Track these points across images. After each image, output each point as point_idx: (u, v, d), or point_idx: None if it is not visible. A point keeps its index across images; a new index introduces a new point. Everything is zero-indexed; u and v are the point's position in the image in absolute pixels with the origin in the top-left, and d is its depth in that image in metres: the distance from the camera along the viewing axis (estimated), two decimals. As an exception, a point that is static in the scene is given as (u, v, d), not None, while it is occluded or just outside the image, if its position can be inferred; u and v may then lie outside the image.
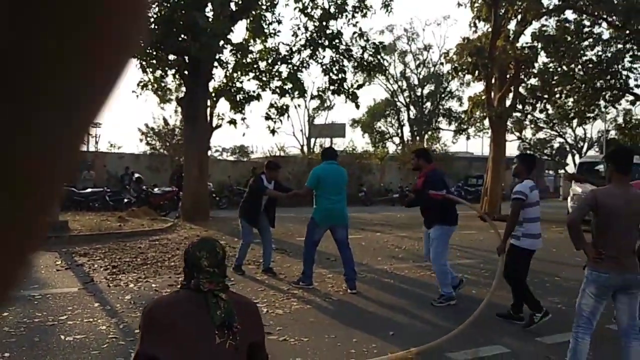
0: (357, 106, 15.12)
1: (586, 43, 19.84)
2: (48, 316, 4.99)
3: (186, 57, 13.33)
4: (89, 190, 15.55)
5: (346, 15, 14.55)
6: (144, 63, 13.32)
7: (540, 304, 5.07)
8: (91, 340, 4.38)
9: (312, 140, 38.91)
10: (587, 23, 19.35)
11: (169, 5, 12.69)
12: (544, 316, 4.97)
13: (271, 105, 14.83)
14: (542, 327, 5.13)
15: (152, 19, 12.68)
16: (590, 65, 19.91)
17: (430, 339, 4.60)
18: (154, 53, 12.93)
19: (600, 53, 20.26)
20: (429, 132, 43.18)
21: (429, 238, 5.94)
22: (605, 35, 20.04)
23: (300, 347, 4.36)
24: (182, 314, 2.01)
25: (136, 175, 17.35)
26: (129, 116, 79.00)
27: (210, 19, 12.47)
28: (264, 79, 14.59)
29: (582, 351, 3.62)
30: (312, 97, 16.90)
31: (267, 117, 14.77)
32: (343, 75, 14.82)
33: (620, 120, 31.88)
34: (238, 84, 14.66)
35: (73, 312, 5.15)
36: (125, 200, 15.59)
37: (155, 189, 16.22)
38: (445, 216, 5.75)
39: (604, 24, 19.06)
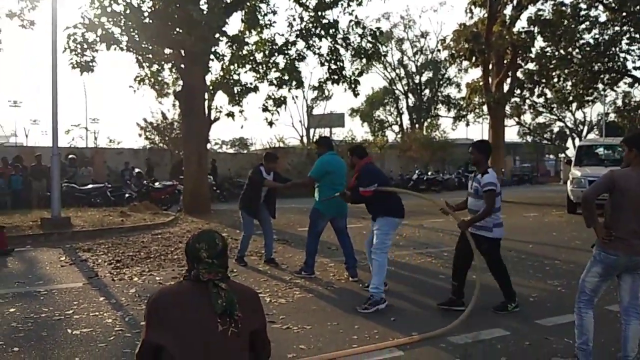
0: (356, 94, 15.13)
1: (583, 26, 19.78)
2: (54, 311, 5.07)
3: (182, 51, 13.32)
4: (90, 186, 15.60)
5: (341, 4, 14.53)
6: (140, 58, 13.32)
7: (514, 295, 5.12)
8: (97, 333, 4.45)
9: (312, 130, 38.91)
10: (583, 6, 19.28)
11: (163, -1, 12.64)
12: (516, 307, 5.04)
13: (268, 97, 14.84)
14: (542, 309, 5.20)
15: (147, 13, 12.66)
16: (588, 49, 19.87)
17: (430, 324, 4.68)
18: (150, 47, 12.91)
19: (597, 36, 20.21)
20: (428, 120, 43.18)
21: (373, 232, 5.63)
22: (602, 18, 19.98)
23: (303, 334, 4.44)
24: (185, 303, 2.08)
25: (136, 170, 17.39)
26: (127, 111, 79.08)
27: (204, 12, 12.43)
28: (261, 70, 14.59)
29: (588, 326, 3.67)
30: (314, 88, 16.91)
31: (265, 109, 14.79)
32: (341, 64, 14.83)
33: (619, 102, 31.86)
34: (235, 77, 14.66)
35: (79, 307, 5.22)
36: (127, 195, 15.66)
37: (156, 184, 16.28)
38: (389, 208, 5.45)
39: (600, 7, 18.99)
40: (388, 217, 5.43)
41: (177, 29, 12.83)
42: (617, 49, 20.20)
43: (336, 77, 14.71)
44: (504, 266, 5.09)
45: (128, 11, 12.41)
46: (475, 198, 4.93)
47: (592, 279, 3.66)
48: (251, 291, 2.32)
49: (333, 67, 14.67)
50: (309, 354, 3.97)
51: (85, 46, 12.40)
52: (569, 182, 14.47)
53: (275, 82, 14.65)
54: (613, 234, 3.51)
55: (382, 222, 5.44)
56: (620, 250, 3.50)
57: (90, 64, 12.53)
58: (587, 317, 3.68)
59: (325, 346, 4.14)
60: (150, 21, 12.58)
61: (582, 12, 19.36)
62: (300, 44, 14.54)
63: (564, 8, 19.12)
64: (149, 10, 12.79)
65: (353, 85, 14.73)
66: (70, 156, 17.04)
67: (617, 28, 19.75)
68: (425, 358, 3.93)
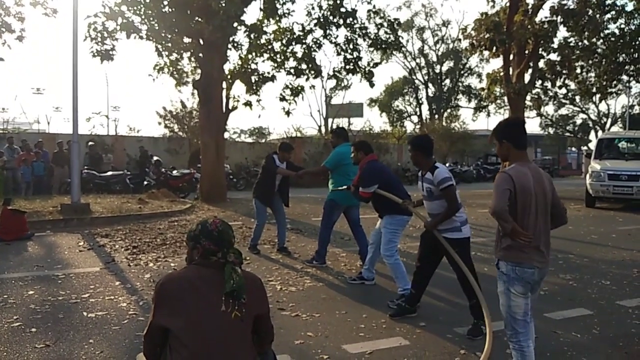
0: (372, 85, 15.08)
1: (608, 16, 19.34)
2: (71, 294, 5.22)
3: (201, 40, 13.40)
4: (109, 173, 15.88)
5: (360, -8, 14.44)
6: (159, 46, 13.43)
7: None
8: (112, 316, 4.58)
9: (330, 120, 38.83)
10: (609, -6, 18.83)
11: (182, -13, 12.72)
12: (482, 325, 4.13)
13: (286, 87, 14.87)
14: (552, 303, 5.17)
15: (166, 2, 12.75)
16: (613, 39, 19.43)
17: (440, 315, 4.72)
18: (169, 36, 13.03)
19: (623, 26, 19.74)
20: (448, 110, 42.77)
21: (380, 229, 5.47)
22: (629, 7, 19.50)
23: (311, 322, 4.50)
24: (192, 287, 2.16)
25: (155, 158, 17.62)
26: (147, 100, 79.98)
27: (223, 1, 12.48)
28: (279, 59, 14.61)
29: (532, 357, 3.17)
30: (329, 77, 16.86)
31: (282, 99, 14.83)
32: (358, 54, 14.77)
33: (644, 94, 31.12)
34: (253, 66, 14.71)
35: (95, 291, 5.37)
36: (145, 182, 15.90)
37: (174, 172, 16.49)
38: (396, 206, 5.10)
39: (627, -4, 18.53)
40: (395, 215, 5.25)
41: (196, 18, 12.92)
42: (644, 39, 19.71)
43: (351, 67, 14.66)
44: (475, 273, 4.22)
45: (148, 0, 12.53)
46: (430, 200, 4.40)
47: (518, 301, 3.08)
48: (256, 278, 2.40)
49: (349, 57, 14.62)
50: (316, 341, 4.03)
51: (106, 35, 12.56)
52: (587, 176, 14.27)
53: (292, 71, 14.66)
54: (530, 236, 2.98)
55: (388, 221, 5.29)
56: (535, 261, 3.04)
57: (110, 52, 12.70)
58: (529, 351, 3.15)
59: (332, 334, 4.21)
60: (170, 10, 12.68)
61: (608, 2, 18.91)
62: (318, 32, 14.50)
63: (589, -3, 18.69)
64: (169, -1, 12.88)
65: (368, 76, 14.67)
66: (90, 143, 17.34)
67: (644, 17, 19.27)
68: (432, 348, 3.96)
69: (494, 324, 4.38)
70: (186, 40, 13.61)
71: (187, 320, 2.10)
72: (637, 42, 19.60)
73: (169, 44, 13.41)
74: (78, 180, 10.67)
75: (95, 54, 12.54)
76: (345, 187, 5.85)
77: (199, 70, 14.53)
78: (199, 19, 12.84)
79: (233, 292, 2.13)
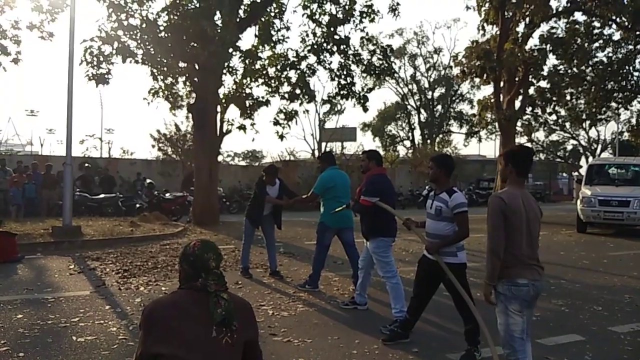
0: (365, 109, 15.25)
1: (596, 45, 19.80)
2: (61, 318, 5.16)
3: (196, 65, 13.54)
4: (102, 195, 15.81)
5: (354, 21, 14.72)
6: (154, 70, 13.55)
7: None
8: (102, 341, 4.53)
9: (323, 144, 38.98)
10: (597, 24, 19.29)
11: (179, 13, 12.92)
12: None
13: (280, 111, 15.01)
14: (544, 328, 5.17)
15: (162, 28, 12.92)
16: (601, 67, 19.85)
17: (433, 341, 4.70)
18: (165, 61, 13.16)
19: (610, 54, 20.21)
20: (440, 135, 43.16)
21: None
22: (616, 36, 19.98)
23: (303, 347, 4.47)
24: (181, 313, 2.11)
25: (148, 181, 17.58)
26: (141, 123, 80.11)
27: (219, 27, 12.67)
28: (273, 84, 14.77)
29: None
30: (323, 102, 17.05)
31: (276, 123, 14.95)
32: (352, 80, 14.98)
33: (634, 121, 31.62)
34: (247, 90, 14.86)
35: (85, 315, 5.31)
36: (137, 205, 15.83)
37: (167, 194, 16.45)
38: (381, 227, 5.25)
39: (614, 26, 19.00)
40: (380, 238, 5.29)
41: (192, 44, 13.08)
42: (631, 67, 20.17)
43: (345, 92, 14.86)
44: (472, 299, 4.14)
45: (144, 25, 12.70)
46: (436, 220, 4.33)
47: (516, 319, 3.18)
48: (246, 302, 2.37)
49: (343, 82, 14.83)
50: (308, 367, 4.00)
51: (102, 59, 12.68)
52: (578, 201, 14.39)
53: (286, 96, 14.82)
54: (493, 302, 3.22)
55: (374, 245, 5.32)
56: (527, 277, 3.17)
57: (106, 76, 12.80)
58: None
59: (325, 360, 4.17)
60: (166, 35, 12.85)
61: (596, 31, 19.37)
62: (312, 59, 14.73)
63: (577, 26, 19.14)
64: (165, 24, 13.06)
65: (362, 101, 14.85)
66: (86, 165, 17.33)
67: (630, 47, 19.74)
68: (424, 374, 3.94)
69: (485, 349, 4.39)
70: (181, 64, 13.75)
71: (177, 347, 2.05)
72: (625, 70, 20.05)
73: (165, 68, 13.55)
74: (70, 202, 10.62)
75: (91, 78, 12.63)
76: (343, 206, 5.77)
77: (193, 94, 14.65)
78: (195, 45, 13.00)
79: (223, 320, 2.09)
